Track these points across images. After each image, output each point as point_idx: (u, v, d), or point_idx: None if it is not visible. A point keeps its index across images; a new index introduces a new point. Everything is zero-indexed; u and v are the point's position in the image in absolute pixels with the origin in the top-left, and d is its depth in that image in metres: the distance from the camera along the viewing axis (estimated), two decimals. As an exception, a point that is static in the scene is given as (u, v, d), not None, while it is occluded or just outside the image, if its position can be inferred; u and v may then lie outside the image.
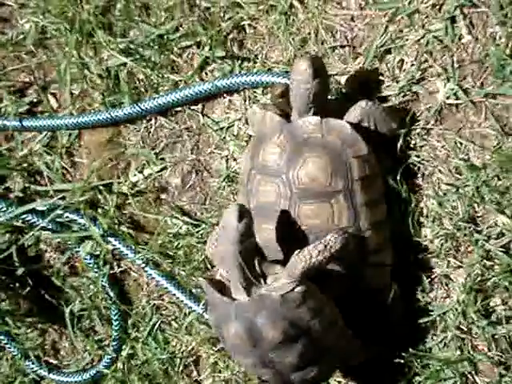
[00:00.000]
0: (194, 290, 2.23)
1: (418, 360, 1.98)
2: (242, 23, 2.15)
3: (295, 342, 1.85)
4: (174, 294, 2.25)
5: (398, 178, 1.95)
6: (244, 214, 1.83)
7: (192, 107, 2.22)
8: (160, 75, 2.23)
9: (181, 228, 2.24)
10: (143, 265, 2.28)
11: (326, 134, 1.90)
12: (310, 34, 2.08)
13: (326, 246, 1.81)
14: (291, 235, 1.89)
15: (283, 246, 1.90)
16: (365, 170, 1.90)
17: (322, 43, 2.07)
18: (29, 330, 2.42)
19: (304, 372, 1.91)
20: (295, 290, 1.81)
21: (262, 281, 1.85)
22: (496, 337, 1.93)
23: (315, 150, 1.89)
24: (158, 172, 2.28)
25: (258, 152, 1.95)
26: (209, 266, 2.20)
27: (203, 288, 1.93)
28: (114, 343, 2.32)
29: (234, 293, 1.86)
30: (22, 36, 2.38)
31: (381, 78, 2.01)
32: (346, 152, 1.89)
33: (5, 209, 2.34)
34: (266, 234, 1.92)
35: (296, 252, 1.83)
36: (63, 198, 2.31)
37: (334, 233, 1.83)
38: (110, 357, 2.33)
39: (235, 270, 1.83)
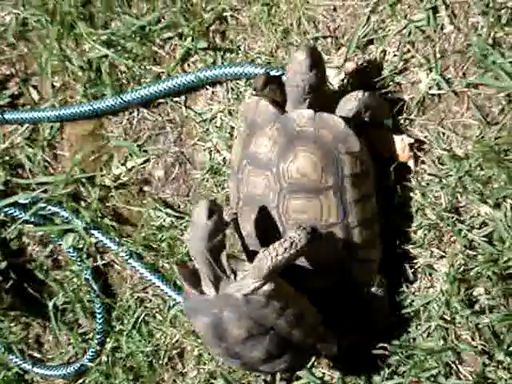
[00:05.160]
0: (178, 282, 2.22)
1: (402, 350, 1.99)
2: (224, 14, 2.15)
3: (260, 339, 1.86)
4: (158, 287, 2.25)
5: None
6: (214, 210, 1.82)
7: (175, 99, 2.22)
8: (142, 67, 2.22)
9: (164, 220, 2.23)
10: (127, 257, 2.27)
11: (318, 129, 1.88)
12: (292, 24, 2.08)
13: (291, 243, 1.80)
14: (271, 229, 1.89)
15: (262, 240, 1.90)
16: (356, 167, 1.88)
17: (305, 34, 2.07)
18: (12, 324, 2.42)
19: (272, 364, 1.93)
20: (261, 290, 1.81)
21: (232, 276, 1.85)
22: (479, 326, 1.94)
23: (307, 145, 1.87)
24: (141, 164, 2.27)
25: (249, 142, 1.93)
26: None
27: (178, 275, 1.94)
28: (98, 336, 2.31)
29: (204, 286, 1.87)
30: (2, 28, 2.37)
31: (363, 68, 2.01)
32: (338, 148, 1.87)
33: (-13, 202, 2.34)
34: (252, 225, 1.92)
35: (262, 250, 1.82)
36: (45, 191, 2.30)
37: (298, 229, 1.82)
38: (94, 350, 2.33)
39: (204, 265, 1.84)
